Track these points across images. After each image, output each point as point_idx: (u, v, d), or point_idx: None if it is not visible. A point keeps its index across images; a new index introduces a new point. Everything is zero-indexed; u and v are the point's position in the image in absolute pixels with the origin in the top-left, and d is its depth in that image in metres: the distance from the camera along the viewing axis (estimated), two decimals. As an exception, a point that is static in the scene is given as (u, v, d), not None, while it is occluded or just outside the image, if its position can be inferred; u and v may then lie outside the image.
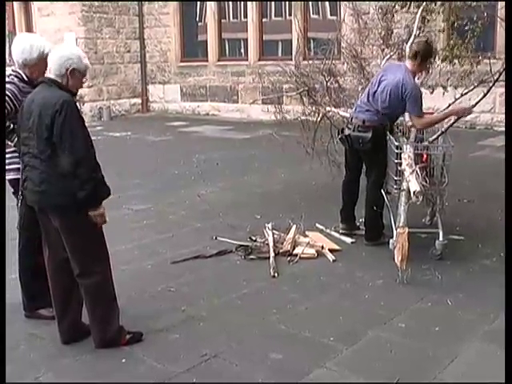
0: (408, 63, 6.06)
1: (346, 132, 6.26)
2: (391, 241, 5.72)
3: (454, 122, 6.20)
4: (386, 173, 6.20)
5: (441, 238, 5.77)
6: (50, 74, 4.11)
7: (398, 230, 5.40)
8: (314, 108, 7.87)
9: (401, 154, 5.74)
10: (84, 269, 4.16)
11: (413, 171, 5.53)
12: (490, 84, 6.60)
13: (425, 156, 5.87)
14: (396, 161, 5.79)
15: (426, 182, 5.60)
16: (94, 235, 4.19)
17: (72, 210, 4.04)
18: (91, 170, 4.02)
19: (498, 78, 6.23)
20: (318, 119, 7.80)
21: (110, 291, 4.27)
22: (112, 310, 4.28)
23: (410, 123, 6.25)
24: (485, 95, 6.12)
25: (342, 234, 6.51)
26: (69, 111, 3.91)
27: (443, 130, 6.10)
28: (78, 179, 3.94)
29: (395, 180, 5.87)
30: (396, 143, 5.86)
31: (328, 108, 7.66)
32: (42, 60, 4.50)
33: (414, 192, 5.39)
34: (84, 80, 4.24)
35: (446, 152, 5.90)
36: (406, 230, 5.35)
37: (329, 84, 7.75)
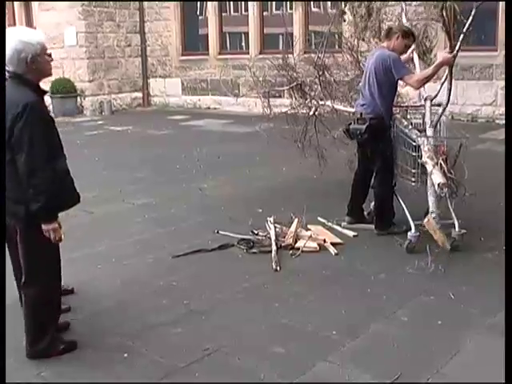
0: (384, 44, 6.24)
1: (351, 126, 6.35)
2: (409, 233, 5.80)
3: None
4: (392, 163, 6.23)
5: (457, 229, 5.78)
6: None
7: (426, 219, 5.61)
8: (306, 102, 7.88)
9: (419, 146, 5.76)
10: (28, 279, 4.03)
11: (436, 163, 5.54)
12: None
13: (442, 148, 5.86)
14: (414, 154, 5.82)
15: (451, 173, 5.62)
16: (44, 247, 3.94)
17: (24, 219, 3.86)
18: (48, 182, 3.75)
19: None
20: (311, 113, 7.81)
21: (51, 305, 4.13)
22: (49, 321, 4.14)
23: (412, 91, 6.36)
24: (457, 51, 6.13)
25: (344, 227, 6.50)
26: (30, 116, 3.69)
27: (439, 117, 6.15)
28: (32, 189, 3.73)
29: (413, 173, 5.89)
30: (414, 136, 5.87)
31: (321, 102, 7.68)
32: None
33: (438, 184, 5.42)
34: (49, 58, 4.02)
35: (462, 143, 5.91)
36: (430, 218, 5.52)
37: (322, 78, 7.74)
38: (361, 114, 6.26)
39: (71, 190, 4.06)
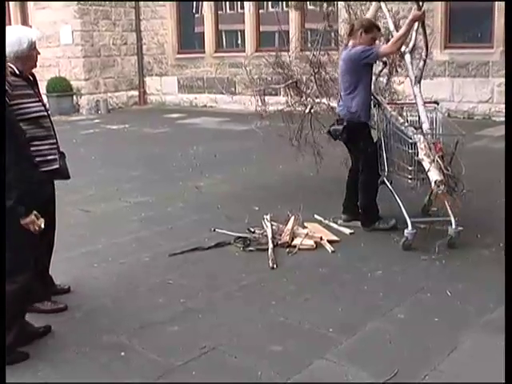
0: (350, 43, 6.23)
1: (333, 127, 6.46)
2: (406, 231, 5.80)
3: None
4: (374, 159, 6.26)
5: (453, 226, 5.78)
6: None
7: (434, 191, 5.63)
8: (301, 99, 7.88)
9: (415, 144, 5.77)
10: (7, 275, 3.98)
11: (432, 160, 5.54)
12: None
13: (439, 145, 5.87)
14: (410, 151, 5.83)
15: (448, 170, 5.61)
16: (21, 244, 3.99)
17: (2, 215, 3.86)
18: (16, 181, 3.77)
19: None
20: (307, 111, 7.81)
21: (23, 303, 4.14)
22: (16, 317, 4.10)
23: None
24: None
25: (341, 225, 6.50)
26: None
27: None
28: (6, 184, 3.75)
29: (409, 170, 5.90)
30: (410, 133, 5.88)
31: (317, 99, 7.69)
32: (32, 49, 4.49)
33: (435, 181, 5.42)
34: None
35: (458, 140, 5.92)
36: (435, 188, 5.52)
37: (317, 76, 7.74)
38: (339, 115, 6.41)
39: (40, 185, 4.08)
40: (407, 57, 6.45)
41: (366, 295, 4.92)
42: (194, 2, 17.88)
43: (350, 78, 6.17)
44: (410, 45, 6.51)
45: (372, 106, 6.41)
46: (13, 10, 18.21)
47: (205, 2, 17.31)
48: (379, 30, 6.39)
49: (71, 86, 17.24)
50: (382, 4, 6.82)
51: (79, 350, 4.17)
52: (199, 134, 13.37)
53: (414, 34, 6.50)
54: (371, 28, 6.16)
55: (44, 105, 4.65)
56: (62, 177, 4.78)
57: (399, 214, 6.06)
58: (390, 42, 6.11)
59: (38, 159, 4.49)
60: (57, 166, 4.63)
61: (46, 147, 4.57)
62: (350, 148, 6.49)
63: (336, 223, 6.56)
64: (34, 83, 4.65)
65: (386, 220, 6.31)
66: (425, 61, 6.42)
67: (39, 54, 4.63)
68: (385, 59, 7.09)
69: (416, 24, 6.34)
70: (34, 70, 4.68)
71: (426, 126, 6.00)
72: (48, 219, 4.79)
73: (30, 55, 4.49)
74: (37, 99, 4.56)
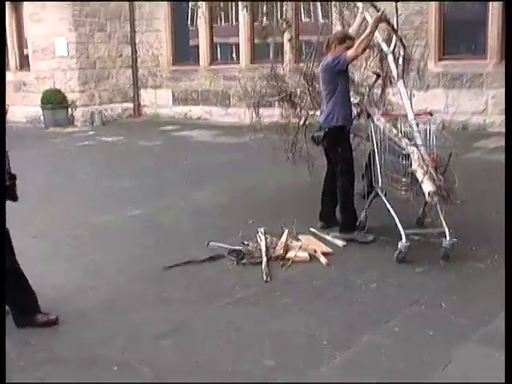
0: (328, 56, 6.45)
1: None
2: (400, 243, 5.78)
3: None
4: (352, 165, 6.49)
5: (448, 238, 5.76)
6: None
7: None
8: (296, 112, 7.90)
9: (409, 155, 5.78)
10: None
11: (426, 172, 5.55)
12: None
13: (432, 156, 5.86)
14: (404, 162, 5.84)
15: (440, 180, 5.60)
16: None
17: None
18: None
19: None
20: (301, 123, 7.83)
21: None
22: None
23: None
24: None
25: (334, 237, 6.47)
26: None
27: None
28: None
29: (403, 182, 5.90)
30: (403, 145, 5.89)
31: (311, 112, 7.74)
32: None
33: (428, 193, 5.43)
34: None
35: (452, 152, 5.92)
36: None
37: (311, 88, 7.76)
38: (320, 123, 6.66)
39: None
40: (390, 57, 6.59)
41: (360, 308, 4.90)
42: (189, 15, 17.86)
43: (328, 86, 6.43)
44: (392, 45, 6.65)
45: (366, 118, 6.49)
46: (8, 23, 18.19)
47: (200, 15, 17.24)
48: (352, 39, 6.52)
49: (66, 98, 17.21)
50: (367, 15, 6.86)
51: (71, 364, 4.14)
52: (194, 146, 13.36)
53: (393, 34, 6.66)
54: (343, 39, 6.43)
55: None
56: (9, 199, 4.62)
57: (393, 225, 6.04)
58: (354, 46, 6.23)
59: None
60: None
61: None
62: (330, 154, 6.66)
63: (328, 235, 6.54)
64: None
65: (365, 235, 6.42)
66: (404, 57, 6.57)
67: None
68: (378, 71, 7.10)
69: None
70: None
71: (410, 117, 6.13)
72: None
73: None
74: None
